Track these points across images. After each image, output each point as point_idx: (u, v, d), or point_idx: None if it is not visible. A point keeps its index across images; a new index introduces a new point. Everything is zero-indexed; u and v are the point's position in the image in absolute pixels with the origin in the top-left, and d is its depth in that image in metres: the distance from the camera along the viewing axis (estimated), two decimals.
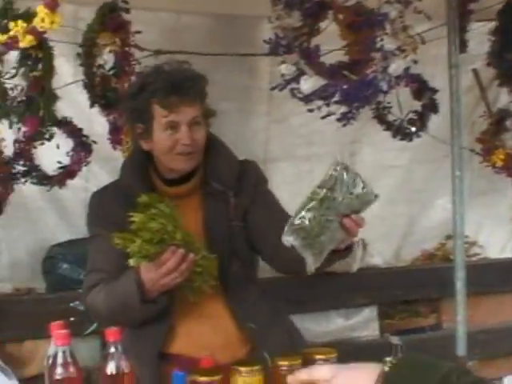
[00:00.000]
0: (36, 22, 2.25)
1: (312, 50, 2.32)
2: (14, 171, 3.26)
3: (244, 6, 3.36)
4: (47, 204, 3.71)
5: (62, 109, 3.22)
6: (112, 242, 2.20)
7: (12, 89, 2.97)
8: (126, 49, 3.03)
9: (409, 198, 4.33)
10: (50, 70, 2.87)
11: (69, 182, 3.33)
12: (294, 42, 2.26)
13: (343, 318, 4.17)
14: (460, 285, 3.45)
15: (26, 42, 2.31)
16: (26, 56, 2.82)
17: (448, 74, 3.36)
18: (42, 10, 2.32)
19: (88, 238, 2.52)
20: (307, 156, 4.06)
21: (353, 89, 2.26)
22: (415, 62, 2.40)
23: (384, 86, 2.29)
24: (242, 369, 1.93)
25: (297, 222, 1.98)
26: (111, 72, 3.09)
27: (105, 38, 2.99)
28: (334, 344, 3.81)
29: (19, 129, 3.14)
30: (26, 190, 3.50)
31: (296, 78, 2.33)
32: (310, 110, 2.41)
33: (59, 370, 1.75)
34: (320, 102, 2.35)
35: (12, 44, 2.30)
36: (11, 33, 2.27)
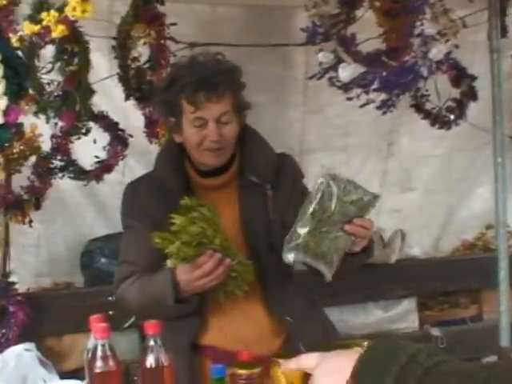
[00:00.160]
0: (67, 11, 2.24)
1: (349, 38, 2.28)
2: (51, 166, 3.28)
3: None
4: (84, 199, 3.73)
5: (98, 103, 3.23)
6: (145, 236, 2.22)
7: (48, 84, 2.98)
8: (162, 41, 3.02)
9: (448, 187, 4.27)
10: (86, 64, 2.88)
11: (105, 176, 3.34)
12: (332, 30, 2.23)
13: (382, 309, 4.13)
14: (503, 274, 3.40)
15: (58, 31, 2.30)
16: (61, 50, 2.83)
17: (489, 59, 3.31)
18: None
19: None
20: (343, 147, 4.02)
21: (392, 75, 2.21)
22: (456, 46, 2.34)
23: (424, 71, 2.24)
24: (282, 361, 1.91)
25: (292, 239, 2.05)
26: (146, 65, 3.09)
27: (139, 30, 2.99)
28: (372, 336, 3.79)
29: (56, 124, 3.16)
30: (64, 185, 3.52)
31: (334, 66, 2.29)
32: (349, 99, 2.36)
33: (99, 364, 1.75)
34: (359, 90, 2.30)
35: (45, 34, 2.29)
36: (43, 23, 2.26)
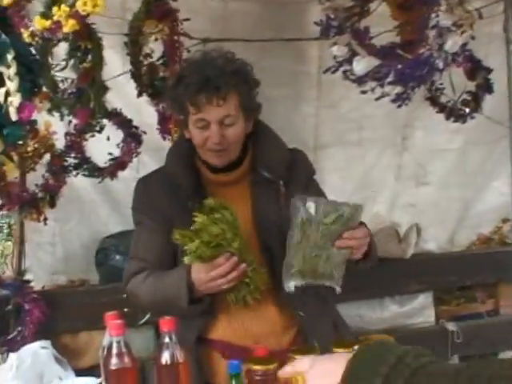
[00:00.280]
0: (78, 6, 2.23)
1: (363, 32, 2.26)
2: (65, 164, 3.29)
3: None
4: (99, 196, 3.73)
5: (112, 100, 3.23)
6: (156, 233, 2.32)
7: (62, 81, 2.99)
8: (175, 37, 3.00)
9: (463, 181, 4.24)
10: (99, 61, 2.87)
11: (120, 173, 3.34)
12: (346, 23, 2.21)
13: (398, 304, 4.11)
14: None
15: (69, 26, 2.29)
16: (75, 48, 2.82)
17: (505, 51, 3.26)
18: None
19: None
20: (358, 141, 4.00)
21: (407, 68, 2.19)
22: (473, 37, 2.32)
23: (440, 63, 2.22)
24: (298, 357, 1.90)
25: (287, 270, 2.17)
26: (160, 61, 3.08)
27: (150, 26, 2.98)
28: (388, 331, 3.78)
29: (70, 122, 3.16)
30: (78, 182, 3.53)
31: (348, 60, 2.28)
32: (364, 92, 2.35)
33: (114, 361, 1.75)
34: (374, 84, 2.29)
35: (56, 29, 2.29)
36: (54, 18, 2.26)
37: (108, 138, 3.19)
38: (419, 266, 4.08)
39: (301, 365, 1.38)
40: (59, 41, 2.71)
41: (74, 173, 3.32)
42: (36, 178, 3.33)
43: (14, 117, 1.87)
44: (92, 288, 3.71)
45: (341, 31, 2.24)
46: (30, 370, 2.87)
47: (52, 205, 3.34)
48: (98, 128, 3.12)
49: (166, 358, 1.79)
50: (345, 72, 2.36)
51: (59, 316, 3.47)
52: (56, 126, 3.25)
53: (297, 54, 3.68)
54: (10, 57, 1.85)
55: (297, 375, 1.45)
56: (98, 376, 1.94)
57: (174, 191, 2.35)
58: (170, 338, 1.79)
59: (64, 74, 2.98)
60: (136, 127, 3.29)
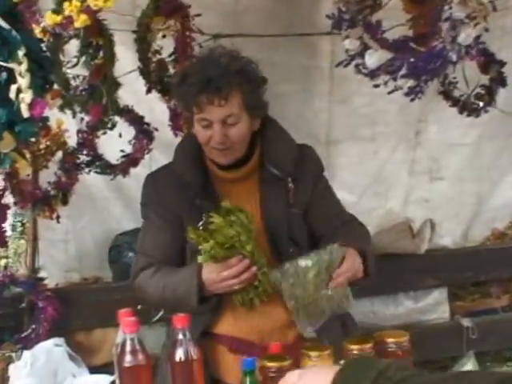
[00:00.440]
0: (90, 1, 2.23)
1: (375, 25, 2.24)
2: (78, 161, 3.30)
3: None
4: (111, 193, 3.74)
5: (123, 97, 3.22)
6: (163, 230, 2.35)
7: (74, 78, 2.98)
8: (187, 33, 2.99)
9: (477, 176, 4.21)
10: (111, 58, 2.87)
11: (132, 170, 3.34)
12: (358, 16, 2.19)
13: (412, 300, 4.09)
14: None
15: (81, 21, 2.29)
16: (86, 44, 2.81)
17: None
18: None
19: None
20: (371, 136, 3.98)
21: (420, 61, 2.17)
22: (486, 29, 2.29)
23: (453, 56, 2.19)
24: (312, 353, 1.89)
25: (297, 319, 2.28)
26: (172, 57, 3.07)
27: (158, 22, 2.97)
28: (402, 327, 3.75)
29: (82, 119, 3.16)
30: (90, 179, 3.53)
31: (361, 53, 2.26)
32: (376, 86, 2.33)
33: (128, 358, 1.75)
34: (386, 77, 2.27)
35: (67, 25, 2.29)
36: (65, 13, 2.25)
37: (120, 135, 3.19)
38: (433, 262, 4.06)
39: (290, 377, 1.40)
40: (70, 38, 2.70)
41: (87, 170, 3.33)
42: (48, 175, 3.34)
43: (25, 113, 1.86)
44: (105, 285, 3.72)
45: (353, 24, 2.22)
46: (44, 367, 2.88)
47: (64, 202, 3.35)
48: (110, 125, 3.11)
49: (180, 354, 1.79)
50: (357, 66, 2.34)
51: (73, 313, 3.47)
52: (68, 123, 3.25)
53: (308, 48, 3.66)
54: (21, 53, 1.85)
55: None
56: (112, 373, 1.94)
57: (182, 188, 2.36)
58: (184, 335, 1.79)
59: (75, 71, 2.98)
60: (148, 124, 3.28)
